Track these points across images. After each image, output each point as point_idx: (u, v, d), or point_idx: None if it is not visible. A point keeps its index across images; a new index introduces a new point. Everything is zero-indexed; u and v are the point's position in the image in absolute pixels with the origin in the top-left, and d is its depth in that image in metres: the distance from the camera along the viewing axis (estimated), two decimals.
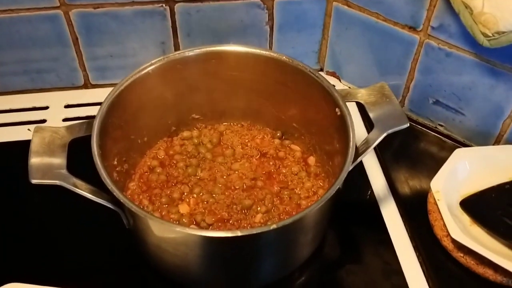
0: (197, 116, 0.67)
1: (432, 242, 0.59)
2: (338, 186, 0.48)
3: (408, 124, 0.54)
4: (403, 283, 0.57)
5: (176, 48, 0.75)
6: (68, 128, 0.53)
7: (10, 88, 0.77)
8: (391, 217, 0.63)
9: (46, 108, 0.76)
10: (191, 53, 0.60)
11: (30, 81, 0.76)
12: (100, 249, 0.59)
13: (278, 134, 0.67)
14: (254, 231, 0.44)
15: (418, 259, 0.59)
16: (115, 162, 0.57)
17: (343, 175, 0.48)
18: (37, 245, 0.60)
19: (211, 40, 0.74)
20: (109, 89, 0.56)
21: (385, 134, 0.53)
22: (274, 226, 0.43)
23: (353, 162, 0.50)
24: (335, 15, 0.73)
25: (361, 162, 0.65)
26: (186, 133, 0.66)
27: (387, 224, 0.62)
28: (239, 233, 0.43)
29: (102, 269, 0.57)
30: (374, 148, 0.56)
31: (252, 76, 0.62)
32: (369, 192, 0.66)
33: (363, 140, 0.54)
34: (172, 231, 0.45)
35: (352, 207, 0.65)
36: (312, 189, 0.60)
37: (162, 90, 0.61)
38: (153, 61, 0.58)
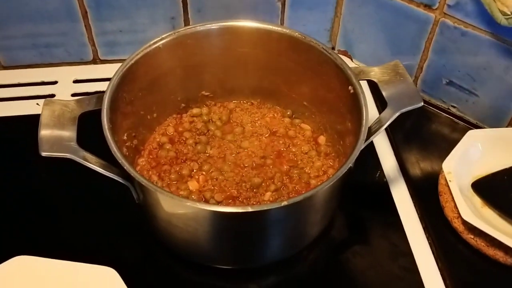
0: (206, 93, 0.66)
1: (442, 224, 0.59)
2: (350, 165, 0.48)
3: (422, 103, 0.53)
4: (412, 264, 0.56)
5: (186, 24, 0.74)
6: (77, 101, 0.52)
7: (19, 62, 0.76)
8: (401, 198, 0.63)
9: (55, 83, 0.75)
10: (202, 28, 0.59)
11: (39, 55, 0.76)
12: (108, 224, 0.59)
13: (288, 113, 0.66)
14: (265, 207, 0.44)
15: (428, 240, 0.58)
16: (125, 137, 0.56)
17: (355, 153, 0.48)
18: (46, 219, 0.60)
19: (222, 16, 0.72)
20: (118, 65, 0.55)
21: (398, 113, 0.52)
22: (285, 203, 0.43)
23: (365, 141, 0.50)
24: None
25: (372, 143, 0.64)
26: (195, 110, 0.65)
27: (397, 205, 0.62)
28: (249, 209, 0.43)
29: (110, 244, 0.57)
30: (386, 129, 0.55)
31: (263, 53, 0.61)
32: (379, 173, 0.65)
33: (376, 119, 0.53)
34: (182, 206, 0.45)
35: (361, 188, 0.64)
36: (322, 169, 0.60)
37: (172, 65, 0.60)
38: (163, 36, 0.57)
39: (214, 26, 0.59)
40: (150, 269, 0.56)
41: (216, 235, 0.49)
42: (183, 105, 0.65)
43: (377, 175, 0.65)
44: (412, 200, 0.62)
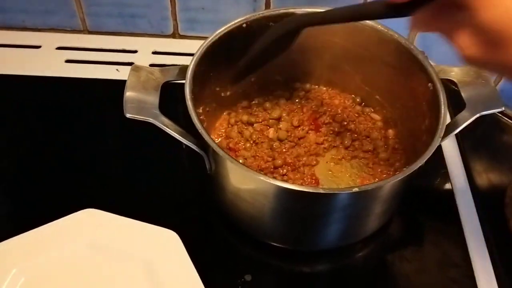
0: (278, 78, 0.66)
1: (505, 236, 0.58)
2: (422, 162, 0.47)
3: (503, 108, 0.52)
4: (466, 276, 0.56)
5: (267, 7, 0.75)
6: (162, 70, 0.54)
7: (104, 29, 0.80)
8: (465, 206, 0.61)
9: (135, 52, 0.78)
10: (285, 12, 0.59)
11: (123, 24, 0.79)
12: (177, 190, 0.61)
13: (357, 100, 0.66)
14: (336, 191, 0.44)
15: (489, 253, 0.57)
16: (200, 110, 0.58)
17: (430, 150, 0.47)
18: (119, 177, 0.63)
19: (303, 2, 0.73)
20: (196, 41, 0.57)
21: (477, 115, 0.51)
22: (356, 189, 0.43)
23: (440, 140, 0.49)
24: None
25: (440, 147, 0.63)
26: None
27: (460, 213, 0.61)
28: (320, 190, 0.43)
29: (175, 209, 0.59)
30: (456, 135, 0.54)
31: (342, 42, 0.61)
32: (445, 178, 0.64)
33: (451, 121, 0.52)
34: (254, 180, 0.46)
35: (424, 191, 0.63)
36: (389, 161, 0.60)
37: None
38: (247, 16, 0.58)
39: (297, 10, 0.60)
40: (210, 238, 0.58)
41: (282, 213, 0.50)
42: (255, 86, 0.66)
43: (442, 181, 0.64)
44: (476, 209, 0.61)
